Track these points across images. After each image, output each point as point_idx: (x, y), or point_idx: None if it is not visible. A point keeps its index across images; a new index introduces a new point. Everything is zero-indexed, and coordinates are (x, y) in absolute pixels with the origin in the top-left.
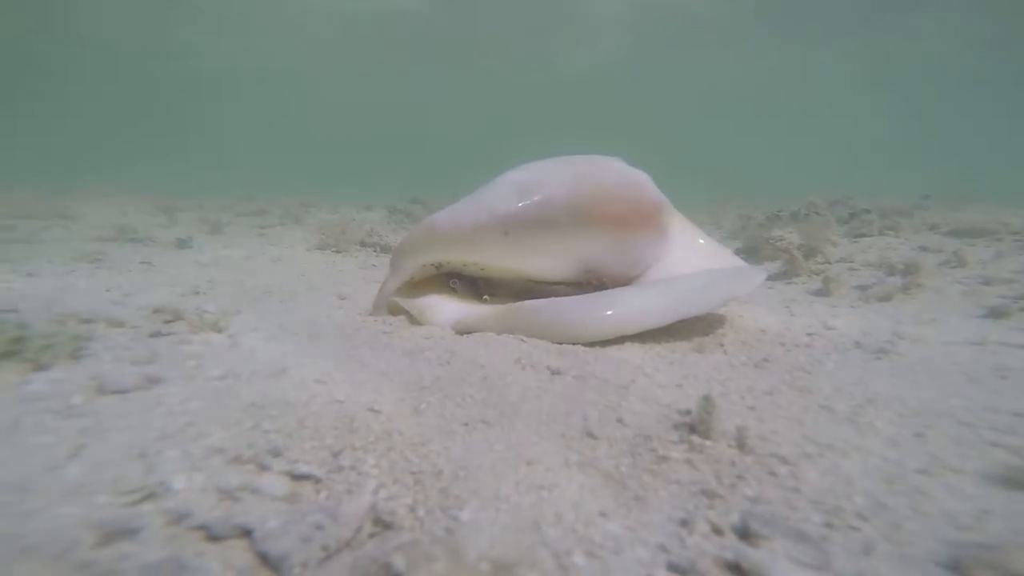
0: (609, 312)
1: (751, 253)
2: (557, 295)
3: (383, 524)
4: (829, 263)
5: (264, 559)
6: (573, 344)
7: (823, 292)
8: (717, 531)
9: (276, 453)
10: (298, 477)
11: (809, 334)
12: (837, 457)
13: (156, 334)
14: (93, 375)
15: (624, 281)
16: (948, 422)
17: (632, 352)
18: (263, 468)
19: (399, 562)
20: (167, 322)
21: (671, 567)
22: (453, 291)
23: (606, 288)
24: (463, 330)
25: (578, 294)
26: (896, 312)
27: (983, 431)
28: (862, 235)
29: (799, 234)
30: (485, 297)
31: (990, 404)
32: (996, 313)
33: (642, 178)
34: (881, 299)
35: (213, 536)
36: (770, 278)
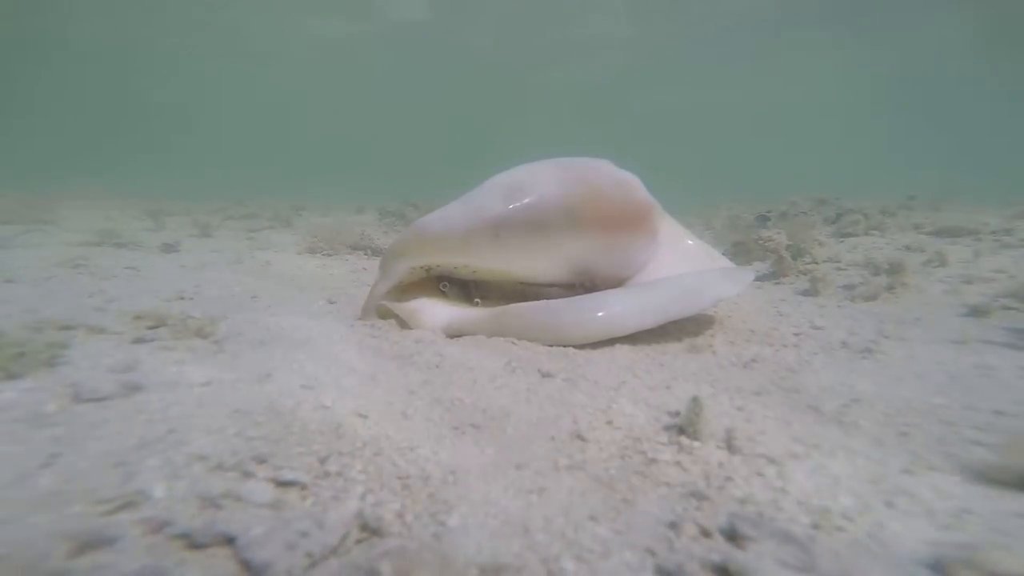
0: (600, 314)
1: (740, 254)
2: (548, 297)
3: (370, 530)
4: (817, 263)
5: (247, 567)
6: (564, 346)
7: (811, 292)
8: (705, 533)
9: (261, 460)
10: (283, 484)
11: (797, 334)
12: (824, 457)
13: (138, 340)
14: (69, 383)
15: (615, 283)
16: (931, 421)
17: (623, 354)
18: (247, 475)
19: (386, 569)
20: (150, 328)
21: (659, 571)
22: (443, 294)
23: (597, 290)
24: (453, 333)
25: (569, 296)
26: (881, 311)
27: (965, 430)
28: (848, 235)
29: (787, 234)
30: (476, 300)
31: (971, 402)
32: (977, 312)
33: (632, 180)
34: (867, 298)
35: (195, 544)
36: (759, 278)
